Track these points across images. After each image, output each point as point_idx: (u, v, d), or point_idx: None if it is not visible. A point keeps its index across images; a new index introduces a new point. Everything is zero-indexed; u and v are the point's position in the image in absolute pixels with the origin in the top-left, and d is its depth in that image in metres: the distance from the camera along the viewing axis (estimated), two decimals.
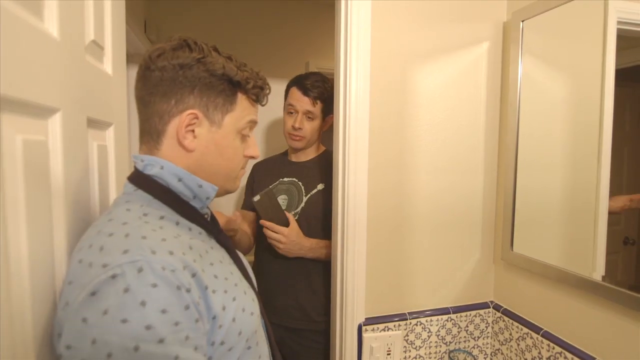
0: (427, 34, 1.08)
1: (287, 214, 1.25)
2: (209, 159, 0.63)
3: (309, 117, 1.32)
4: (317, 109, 1.32)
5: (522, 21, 1.04)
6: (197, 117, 0.60)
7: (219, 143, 0.63)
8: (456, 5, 1.10)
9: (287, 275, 1.30)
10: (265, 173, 1.41)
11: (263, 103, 0.71)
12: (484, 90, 1.15)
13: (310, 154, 1.40)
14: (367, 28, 1.01)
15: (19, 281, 0.44)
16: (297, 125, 1.31)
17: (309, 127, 1.33)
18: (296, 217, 1.29)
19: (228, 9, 2.06)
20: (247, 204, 1.43)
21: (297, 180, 1.35)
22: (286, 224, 1.23)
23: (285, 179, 1.37)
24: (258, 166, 1.48)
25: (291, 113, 1.34)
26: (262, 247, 1.34)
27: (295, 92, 1.32)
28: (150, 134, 0.61)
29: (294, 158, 1.41)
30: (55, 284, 0.53)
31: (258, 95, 0.68)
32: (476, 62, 1.14)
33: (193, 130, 0.61)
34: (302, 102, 1.31)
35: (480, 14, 1.13)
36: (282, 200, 1.33)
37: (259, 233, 1.35)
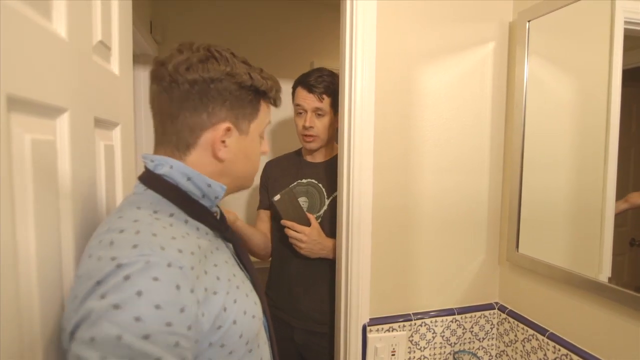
0: (432, 34, 1.08)
1: (307, 214, 1.23)
2: (236, 165, 0.65)
3: (318, 114, 1.29)
4: (325, 104, 1.28)
5: (529, 21, 1.04)
6: (230, 129, 0.62)
7: (246, 149, 0.66)
8: (462, 5, 1.10)
9: (309, 278, 1.27)
10: (281, 173, 1.37)
11: (279, 105, 0.73)
12: (490, 91, 1.15)
13: (326, 154, 1.36)
14: (372, 28, 1.01)
15: (27, 280, 0.45)
16: (307, 124, 1.27)
17: (320, 125, 1.29)
18: (319, 220, 1.26)
19: (233, 9, 2.07)
20: (263, 204, 1.41)
21: (316, 182, 1.32)
22: (307, 223, 1.21)
23: (304, 180, 1.33)
24: (271, 165, 1.44)
25: (300, 113, 1.30)
26: (280, 249, 1.32)
27: (301, 92, 1.29)
28: (176, 146, 0.61)
29: (309, 158, 1.37)
30: (63, 283, 0.54)
31: (276, 99, 0.71)
32: (482, 62, 1.13)
33: (224, 141, 0.62)
34: (308, 99, 1.28)
35: (486, 14, 1.13)
36: (302, 202, 1.29)
37: (276, 234, 1.33)
